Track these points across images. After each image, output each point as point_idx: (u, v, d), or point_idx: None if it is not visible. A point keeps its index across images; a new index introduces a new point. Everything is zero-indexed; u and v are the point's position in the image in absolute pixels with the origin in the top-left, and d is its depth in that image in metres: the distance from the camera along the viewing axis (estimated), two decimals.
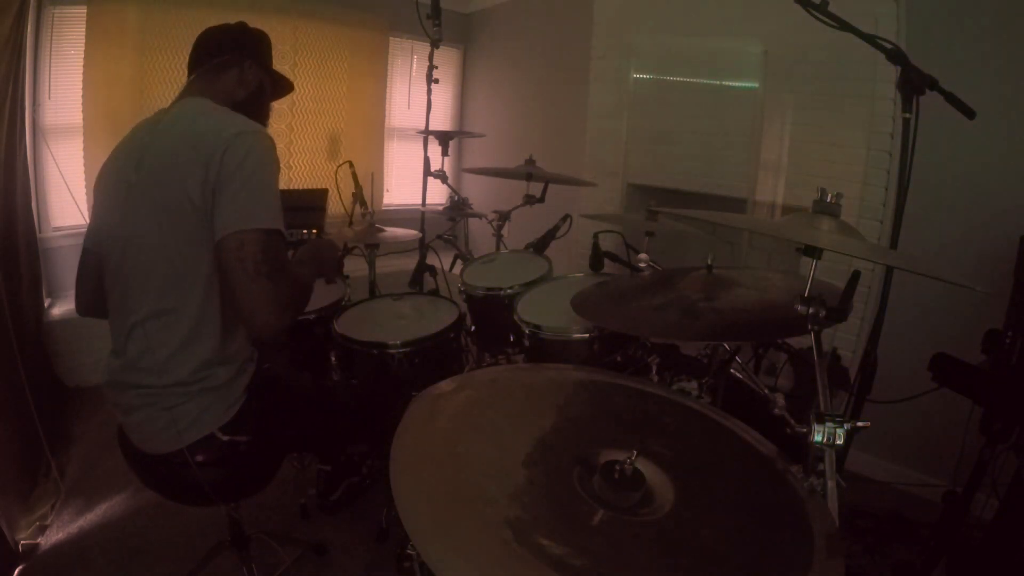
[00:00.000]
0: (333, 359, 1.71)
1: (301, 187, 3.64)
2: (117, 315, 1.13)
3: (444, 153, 2.61)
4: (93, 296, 1.21)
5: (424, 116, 2.67)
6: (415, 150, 3.87)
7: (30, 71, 2.64)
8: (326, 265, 1.35)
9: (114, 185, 1.13)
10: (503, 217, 2.32)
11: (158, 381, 1.08)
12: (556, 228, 2.09)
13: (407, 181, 4.32)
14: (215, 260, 1.05)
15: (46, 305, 2.73)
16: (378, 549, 1.80)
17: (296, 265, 1.27)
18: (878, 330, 1.31)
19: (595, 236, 1.89)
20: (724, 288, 1.23)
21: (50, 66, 2.76)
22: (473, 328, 1.88)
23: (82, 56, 2.81)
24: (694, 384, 1.32)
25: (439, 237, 2.60)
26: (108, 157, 1.16)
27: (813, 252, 0.91)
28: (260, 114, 1.29)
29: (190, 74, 1.23)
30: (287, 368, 1.67)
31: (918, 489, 2.10)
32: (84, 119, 2.85)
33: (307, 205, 2.38)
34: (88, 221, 1.24)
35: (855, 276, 0.88)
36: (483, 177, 3.13)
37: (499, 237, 2.34)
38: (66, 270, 2.82)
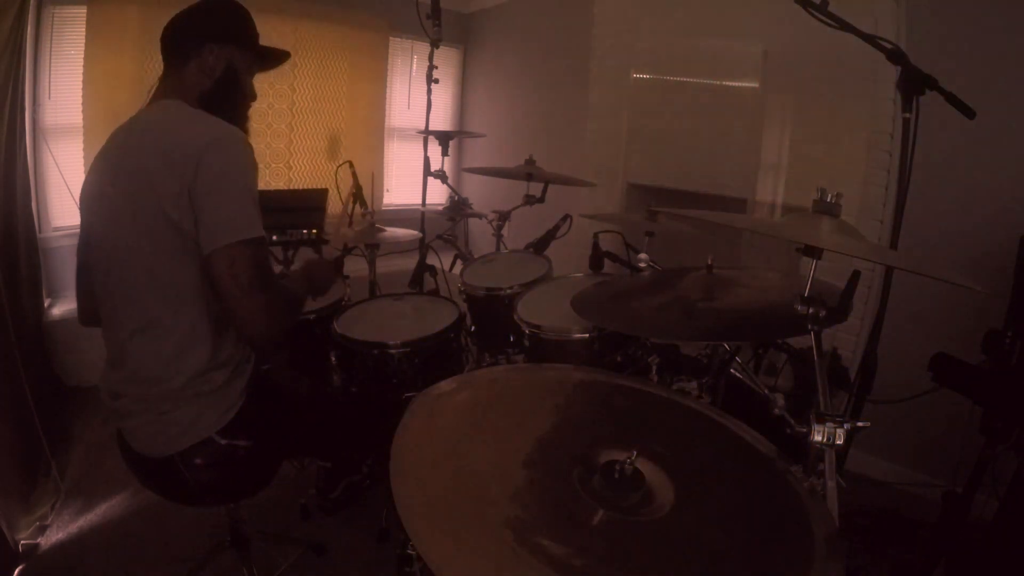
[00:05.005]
0: (333, 359, 1.71)
1: (301, 187, 3.64)
2: (109, 328, 1.13)
3: (444, 153, 2.61)
4: (93, 307, 1.20)
5: (424, 116, 2.67)
6: (415, 150, 3.87)
7: (30, 71, 2.63)
8: (320, 284, 1.36)
9: (95, 198, 1.11)
10: (503, 217, 2.32)
11: (155, 390, 1.08)
12: (556, 228, 2.09)
13: (407, 181, 4.32)
14: (202, 271, 1.04)
15: (46, 305, 2.73)
16: (378, 549, 1.80)
17: (289, 281, 1.28)
18: (878, 330, 1.31)
19: (595, 236, 1.89)
20: (724, 288, 1.23)
21: (50, 66, 2.76)
22: (473, 328, 1.88)
23: (82, 56, 2.81)
24: (694, 384, 1.32)
25: (439, 237, 2.60)
26: (89, 167, 1.13)
27: (813, 252, 0.91)
28: (236, 99, 1.18)
29: (163, 69, 1.16)
30: (287, 370, 1.67)
31: (918, 489, 2.10)
32: (84, 119, 2.85)
33: (307, 205, 2.38)
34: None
35: (855, 276, 0.88)
36: (483, 177, 3.13)
37: (499, 237, 2.33)
38: (66, 270, 2.82)
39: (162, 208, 1.00)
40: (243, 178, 1.04)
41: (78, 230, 1.22)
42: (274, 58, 1.28)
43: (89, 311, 1.23)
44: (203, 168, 0.99)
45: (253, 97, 1.23)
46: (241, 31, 1.18)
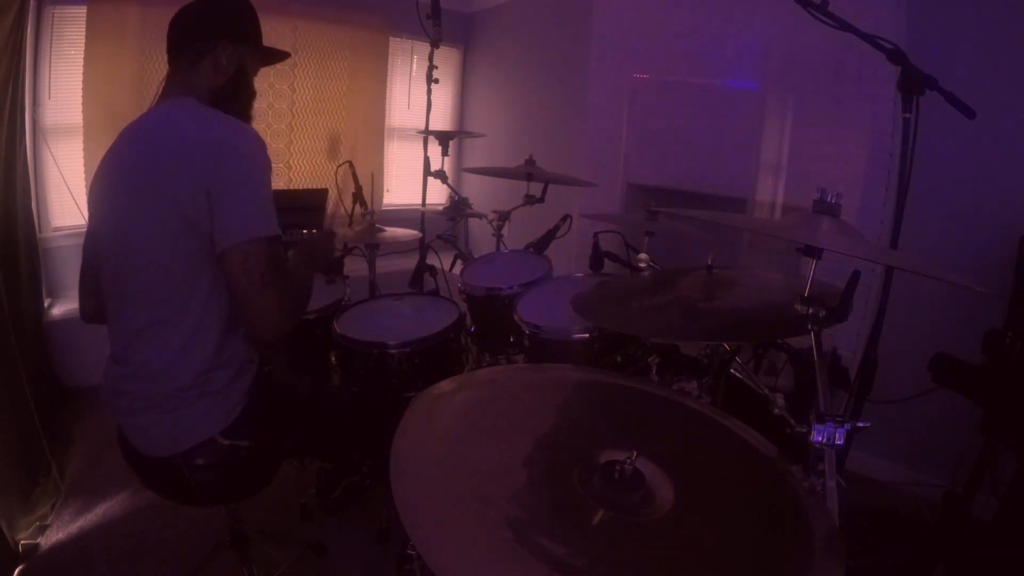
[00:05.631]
0: (333, 359, 1.71)
1: (301, 187, 3.64)
2: (116, 324, 1.13)
3: (444, 153, 2.61)
4: (97, 304, 1.20)
5: (424, 116, 2.67)
6: (415, 150, 3.87)
7: (30, 71, 2.63)
8: (320, 259, 1.33)
9: (105, 197, 1.11)
10: (503, 217, 2.32)
11: (158, 388, 1.08)
12: (556, 228, 2.09)
13: (407, 181, 4.32)
14: (213, 269, 1.05)
15: (46, 305, 2.73)
16: (378, 549, 1.80)
17: (294, 267, 1.28)
18: (878, 330, 1.31)
19: (595, 236, 1.89)
20: (724, 288, 1.23)
21: (50, 66, 2.76)
22: (473, 328, 1.88)
23: (82, 56, 2.81)
24: (694, 384, 1.32)
25: (439, 237, 2.60)
26: (99, 165, 1.14)
27: (813, 252, 0.91)
28: (245, 96, 1.21)
29: (168, 67, 1.16)
30: (287, 370, 1.67)
31: (918, 489, 2.10)
32: (84, 119, 2.84)
33: (307, 205, 2.39)
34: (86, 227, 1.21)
35: (855, 276, 0.88)
36: (483, 177, 3.13)
37: (499, 237, 2.33)
38: (66, 270, 2.82)
39: (177, 206, 1.00)
40: (259, 177, 1.05)
41: (79, 230, 1.22)
42: (275, 57, 1.29)
43: (91, 308, 1.23)
44: (221, 167, 1.00)
45: (255, 95, 1.25)
46: (251, 30, 1.20)
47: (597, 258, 1.89)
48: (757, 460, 0.84)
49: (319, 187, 2.51)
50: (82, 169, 2.83)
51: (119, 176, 1.08)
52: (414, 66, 4.22)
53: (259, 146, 1.07)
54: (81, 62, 2.81)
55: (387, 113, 4.17)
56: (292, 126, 3.68)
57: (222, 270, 1.04)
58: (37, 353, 2.44)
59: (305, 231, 2.22)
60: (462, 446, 0.79)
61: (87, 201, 1.16)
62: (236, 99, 1.17)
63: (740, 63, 2.62)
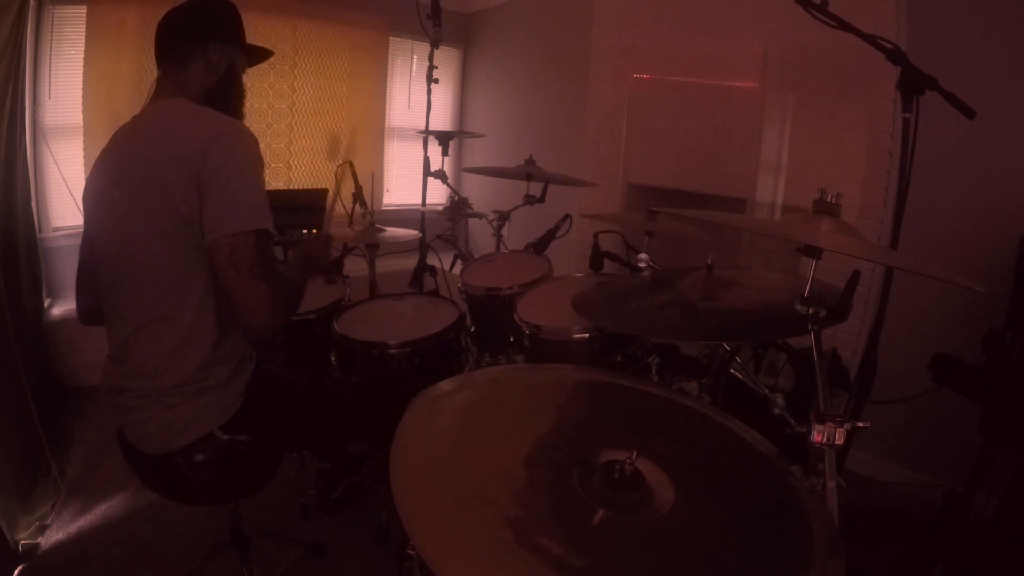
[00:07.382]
0: (333, 359, 1.71)
1: (301, 187, 3.65)
2: (114, 323, 1.13)
3: (444, 153, 2.61)
4: (94, 305, 1.20)
5: (424, 116, 2.67)
6: (415, 150, 3.87)
7: (30, 71, 2.63)
8: (317, 262, 1.35)
9: (100, 196, 1.12)
10: (503, 217, 2.32)
11: (157, 384, 1.08)
12: (556, 228, 2.09)
13: (407, 181, 4.32)
14: (208, 264, 1.05)
15: (46, 305, 2.73)
16: (378, 549, 1.80)
17: (288, 268, 1.28)
18: (878, 330, 1.31)
19: (595, 236, 1.89)
20: (724, 288, 1.23)
21: (50, 66, 2.76)
22: (473, 328, 1.88)
23: (82, 56, 2.81)
24: (694, 384, 1.33)
25: (439, 237, 2.60)
26: (92, 167, 1.15)
27: (813, 252, 0.91)
28: (236, 94, 1.23)
29: (159, 69, 1.17)
30: (285, 367, 1.67)
31: (918, 489, 2.10)
32: (84, 119, 2.85)
33: (307, 205, 2.39)
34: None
35: (855, 276, 0.88)
36: (483, 177, 3.14)
37: (499, 237, 2.33)
38: (66, 270, 2.82)
39: (171, 202, 1.01)
40: (248, 170, 1.05)
41: (78, 230, 1.21)
42: (259, 56, 1.30)
43: (89, 310, 1.23)
44: (209, 160, 1.00)
45: (245, 93, 1.26)
46: (238, 30, 1.21)
47: (597, 258, 1.89)
48: (757, 460, 0.84)
49: (319, 187, 2.51)
50: (82, 169, 2.84)
51: (114, 175, 1.09)
52: (414, 66, 4.22)
53: (249, 141, 1.07)
54: (81, 62, 2.82)
55: (387, 113, 4.17)
56: (292, 126, 3.68)
57: (211, 262, 1.04)
58: (37, 353, 2.44)
59: (305, 231, 2.22)
60: (462, 446, 0.79)
61: (82, 202, 1.17)
62: (228, 97, 1.19)
63: (740, 63, 2.62)
